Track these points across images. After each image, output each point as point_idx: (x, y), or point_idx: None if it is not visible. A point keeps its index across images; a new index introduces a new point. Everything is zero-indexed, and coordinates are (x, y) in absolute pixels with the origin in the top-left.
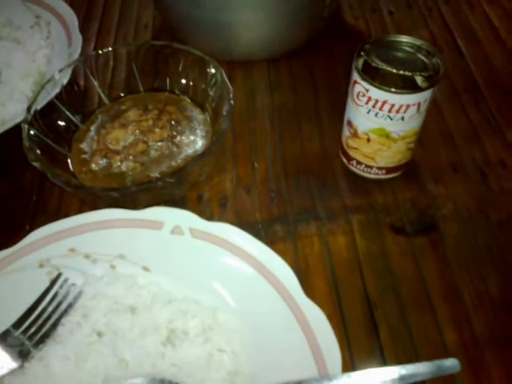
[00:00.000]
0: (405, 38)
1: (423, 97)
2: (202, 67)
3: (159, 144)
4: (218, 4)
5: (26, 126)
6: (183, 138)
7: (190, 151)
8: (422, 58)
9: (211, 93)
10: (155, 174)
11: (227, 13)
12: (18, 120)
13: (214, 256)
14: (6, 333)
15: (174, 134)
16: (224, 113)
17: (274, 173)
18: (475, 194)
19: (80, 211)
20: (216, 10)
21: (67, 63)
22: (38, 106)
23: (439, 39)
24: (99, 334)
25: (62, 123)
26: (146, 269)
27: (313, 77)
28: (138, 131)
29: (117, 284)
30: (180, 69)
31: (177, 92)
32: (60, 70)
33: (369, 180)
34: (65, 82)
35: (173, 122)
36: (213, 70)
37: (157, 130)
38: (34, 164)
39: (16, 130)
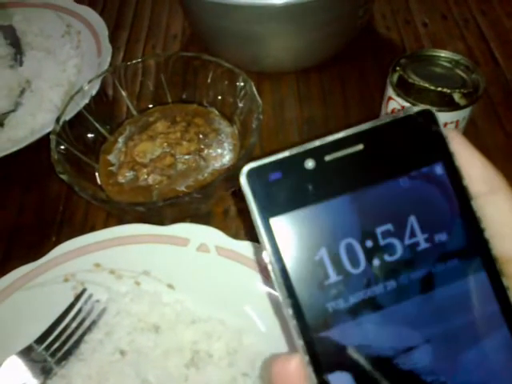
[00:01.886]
0: (443, 53)
1: (462, 115)
2: (231, 79)
3: (186, 157)
4: (248, 15)
5: (55, 138)
6: (211, 151)
7: (217, 165)
8: (461, 73)
9: (240, 105)
10: (181, 188)
11: (257, 24)
12: (47, 130)
13: (241, 276)
14: (30, 348)
15: (202, 147)
16: (253, 126)
17: None
18: None
19: (106, 223)
20: (246, 21)
21: (96, 73)
22: (67, 116)
23: (475, 51)
24: (122, 353)
25: (90, 134)
26: (170, 286)
27: (343, 89)
28: (165, 144)
29: (141, 301)
30: (209, 81)
31: (205, 104)
32: (89, 81)
33: None
34: (94, 92)
35: (200, 135)
36: (242, 83)
37: (184, 142)
38: (62, 177)
39: (45, 139)
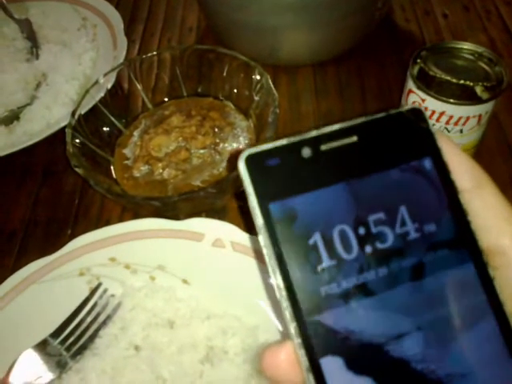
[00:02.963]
0: (465, 45)
1: (485, 109)
2: (247, 73)
3: (201, 151)
4: (264, 7)
5: (71, 131)
6: (226, 145)
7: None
8: (484, 66)
9: (256, 99)
10: (197, 183)
11: (273, 16)
12: (62, 123)
13: (257, 272)
14: (45, 342)
15: (217, 141)
16: (269, 120)
17: None
18: None
19: (121, 217)
20: (262, 13)
21: (112, 67)
22: (83, 110)
23: (498, 43)
24: (137, 348)
25: (105, 128)
26: (185, 281)
27: (361, 82)
28: (180, 138)
29: (156, 296)
30: (224, 74)
31: (220, 97)
32: (105, 74)
33: None
34: (109, 86)
35: (216, 129)
36: (258, 76)
37: (199, 136)
38: (77, 170)
39: (60, 133)
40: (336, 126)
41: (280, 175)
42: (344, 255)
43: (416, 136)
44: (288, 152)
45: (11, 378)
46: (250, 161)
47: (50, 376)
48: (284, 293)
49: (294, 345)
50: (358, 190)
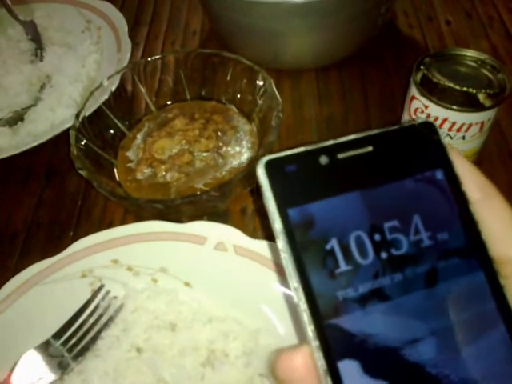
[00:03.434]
0: (468, 52)
1: (487, 116)
2: (250, 77)
3: (205, 154)
4: (268, 12)
5: (74, 133)
6: (229, 148)
7: (235, 163)
8: (487, 73)
9: (259, 103)
10: (199, 185)
11: (277, 21)
12: (66, 125)
13: (259, 276)
14: (47, 343)
15: (220, 144)
16: (273, 124)
17: None
18: None
19: (124, 219)
20: (265, 17)
21: (116, 69)
22: (87, 112)
23: (500, 50)
24: (138, 350)
25: (109, 130)
26: (187, 284)
27: (363, 87)
28: (184, 141)
29: (158, 299)
30: (228, 78)
31: (224, 101)
32: (109, 77)
33: None
34: (113, 88)
35: (219, 133)
36: (262, 81)
37: (203, 140)
38: (81, 172)
39: (64, 134)
40: (352, 136)
41: (298, 181)
42: (360, 260)
43: (428, 148)
44: (306, 159)
45: (13, 379)
46: (268, 167)
47: (51, 377)
48: (302, 295)
49: (312, 347)
50: (372, 197)
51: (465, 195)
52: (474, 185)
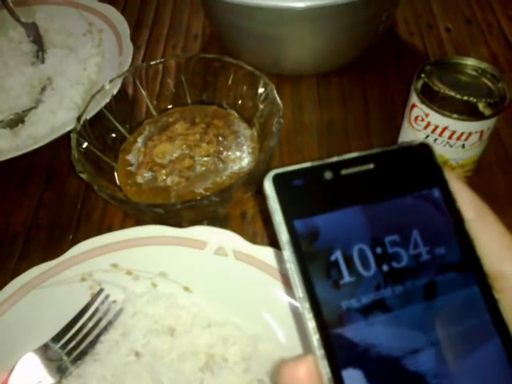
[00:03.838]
0: (469, 61)
1: (487, 125)
2: (251, 82)
3: (205, 159)
4: (270, 17)
5: (76, 137)
6: (229, 153)
7: (235, 168)
8: (487, 82)
9: (260, 108)
10: (200, 190)
11: (278, 26)
12: (67, 128)
13: (258, 281)
14: (46, 346)
15: (221, 149)
16: (274, 130)
17: None
18: None
19: (123, 223)
20: (267, 23)
21: (117, 72)
22: (88, 115)
23: (500, 58)
24: (137, 355)
25: (110, 133)
26: (186, 289)
27: (364, 94)
28: (184, 145)
29: (157, 303)
30: (229, 83)
31: (225, 106)
32: (110, 80)
33: None
34: (114, 91)
35: (220, 138)
36: (263, 86)
37: (203, 144)
38: (82, 175)
39: (65, 137)
40: (355, 154)
41: (303, 195)
42: (363, 272)
43: (425, 167)
44: (311, 174)
45: (11, 382)
46: (275, 180)
47: (50, 381)
48: (307, 305)
49: (317, 356)
50: (374, 212)
51: (460, 213)
52: (468, 204)
